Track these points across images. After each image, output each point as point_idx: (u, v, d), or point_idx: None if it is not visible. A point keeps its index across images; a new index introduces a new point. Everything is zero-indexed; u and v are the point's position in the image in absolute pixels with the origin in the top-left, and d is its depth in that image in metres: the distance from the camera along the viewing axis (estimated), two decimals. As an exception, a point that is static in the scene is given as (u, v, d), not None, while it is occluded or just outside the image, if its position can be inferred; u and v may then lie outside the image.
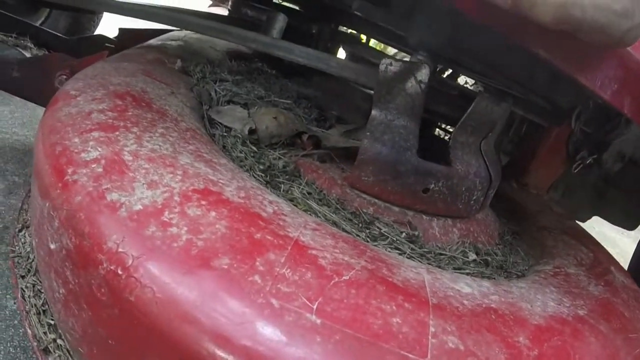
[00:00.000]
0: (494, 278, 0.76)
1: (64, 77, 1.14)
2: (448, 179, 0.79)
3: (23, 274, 0.75)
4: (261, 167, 0.76)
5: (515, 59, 0.78)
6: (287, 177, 0.77)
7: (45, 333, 0.66)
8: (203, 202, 0.54)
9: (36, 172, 0.64)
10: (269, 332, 0.44)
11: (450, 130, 1.42)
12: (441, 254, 0.76)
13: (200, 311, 0.44)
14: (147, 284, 0.46)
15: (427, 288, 0.55)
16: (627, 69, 0.67)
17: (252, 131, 0.84)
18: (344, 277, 0.50)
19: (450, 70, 1.66)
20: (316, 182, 0.79)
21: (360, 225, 0.73)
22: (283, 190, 0.74)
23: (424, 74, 0.75)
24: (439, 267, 0.72)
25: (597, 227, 2.47)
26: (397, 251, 0.71)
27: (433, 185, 0.78)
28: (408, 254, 0.71)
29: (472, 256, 0.79)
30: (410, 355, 0.45)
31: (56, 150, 0.60)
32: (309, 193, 0.76)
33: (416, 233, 0.77)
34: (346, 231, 0.69)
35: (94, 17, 2.42)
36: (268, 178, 0.75)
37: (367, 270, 0.54)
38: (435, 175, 0.78)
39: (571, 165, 1.18)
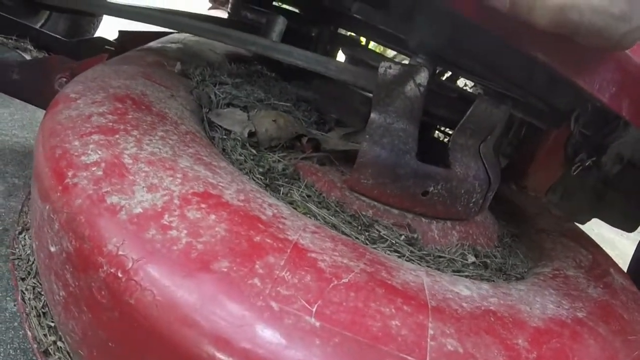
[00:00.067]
0: (493, 280, 0.76)
1: (64, 79, 1.14)
2: (447, 182, 0.79)
3: (23, 277, 0.75)
4: (261, 169, 0.77)
5: (514, 62, 0.79)
6: (286, 179, 0.77)
7: (45, 335, 0.66)
8: (203, 205, 0.54)
9: (36, 175, 0.64)
10: (268, 334, 0.44)
11: (450, 132, 1.42)
12: (440, 257, 0.76)
13: (200, 314, 0.45)
14: (147, 286, 0.46)
15: (426, 291, 0.55)
16: (625, 72, 0.67)
17: (251, 134, 0.84)
18: (343, 280, 0.51)
19: (450, 73, 1.66)
20: (315, 184, 0.79)
21: (360, 227, 0.73)
22: (282, 193, 0.74)
23: (423, 76, 0.75)
24: (438, 269, 0.72)
25: (596, 229, 2.47)
26: (396, 254, 0.71)
27: (432, 188, 0.78)
28: (407, 257, 0.71)
29: (471, 259, 0.79)
30: (409, 358, 0.46)
31: (56, 153, 0.60)
32: (309, 196, 0.76)
33: (415, 236, 0.77)
34: (345, 234, 0.69)
35: (94, 20, 2.43)
36: (267, 181, 0.75)
37: (366, 273, 0.54)
38: (434, 177, 0.78)
39: (570, 168, 1.18)
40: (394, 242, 0.73)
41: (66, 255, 0.53)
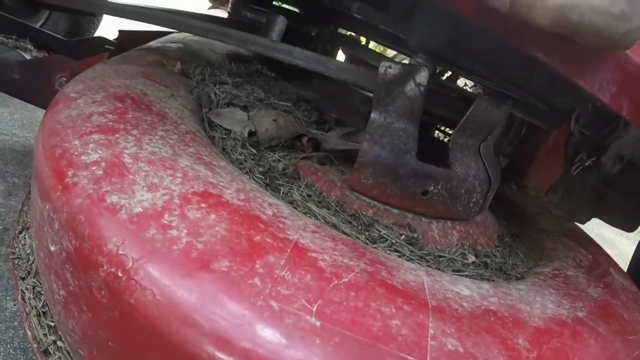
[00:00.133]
0: (493, 280, 0.76)
1: (64, 79, 1.14)
2: (447, 182, 0.79)
3: (23, 276, 0.75)
4: (261, 169, 0.77)
5: (514, 62, 0.79)
6: (286, 179, 0.77)
7: (45, 335, 0.66)
8: (203, 205, 0.54)
9: (36, 174, 0.64)
10: (268, 334, 0.44)
11: (450, 132, 1.42)
12: (440, 256, 0.76)
13: (200, 313, 0.45)
14: (147, 286, 0.46)
15: (426, 290, 0.55)
16: (625, 72, 0.67)
17: (251, 133, 0.84)
18: (344, 280, 0.51)
19: (450, 73, 1.66)
20: (316, 184, 0.79)
21: (360, 227, 0.73)
22: (283, 193, 0.74)
23: (423, 76, 0.75)
24: (438, 269, 0.72)
25: (596, 229, 2.47)
26: (397, 253, 0.71)
27: (432, 188, 0.78)
28: (407, 256, 0.71)
29: (472, 258, 0.79)
30: (410, 358, 0.46)
31: (56, 153, 0.60)
32: (309, 195, 0.76)
33: (415, 235, 0.77)
34: (346, 233, 0.69)
35: (94, 19, 2.43)
36: (268, 180, 0.75)
37: (367, 272, 0.54)
38: (434, 177, 0.78)
39: (570, 168, 1.17)
40: (394, 241, 0.73)
41: (66, 254, 0.53)
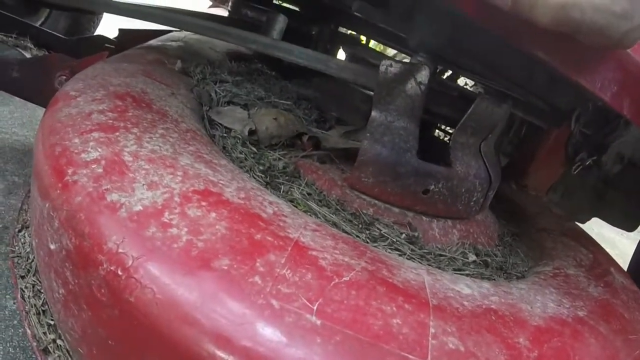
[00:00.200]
0: (494, 279, 0.76)
1: (64, 77, 1.14)
2: (448, 180, 0.79)
3: (23, 274, 0.75)
4: (261, 168, 0.77)
5: (515, 61, 0.78)
6: (287, 178, 0.77)
7: (44, 333, 0.66)
8: (203, 203, 0.54)
9: (36, 173, 0.64)
10: (269, 333, 0.44)
11: (450, 131, 1.42)
12: (441, 255, 0.76)
13: (200, 312, 0.44)
14: (147, 284, 0.46)
15: (427, 289, 0.55)
16: (626, 71, 0.67)
17: (252, 132, 0.84)
18: (344, 278, 0.51)
19: (450, 72, 1.66)
20: (316, 183, 0.79)
21: (360, 226, 0.73)
22: (283, 191, 0.74)
23: (424, 75, 0.75)
24: (439, 268, 0.72)
25: (597, 229, 2.47)
26: (397, 252, 0.71)
27: (433, 187, 0.78)
28: (408, 255, 0.71)
29: (472, 257, 0.79)
30: (411, 356, 0.45)
31: (56, 151, 0.60)
32: (309, 194, 0.76)
33: (416, 234, 0.77)
34: (346, 232, 0.69)
35: (94, 18, 2.42)
36: (268, 179, 0.75)
37: (367, 271, 0.54)
38: (435, 176, 0.78)
39: (570, 167, 1.18)
40: (394, 240, 0.73)
41: (66, 252, 0.53)
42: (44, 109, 0.75)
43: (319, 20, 1.58)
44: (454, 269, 0.74)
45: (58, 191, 0.56)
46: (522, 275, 0.81)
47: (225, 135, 0.84)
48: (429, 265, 0.71)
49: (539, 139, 1.29)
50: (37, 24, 2.00)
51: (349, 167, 0.80)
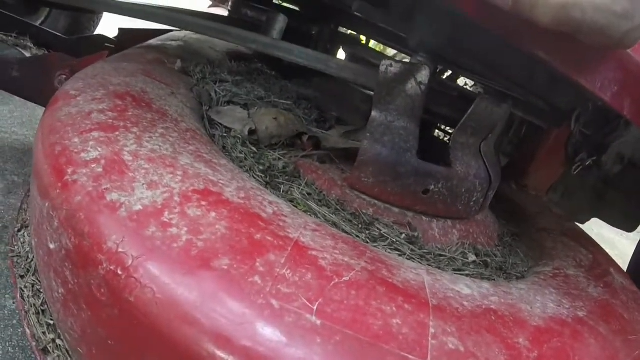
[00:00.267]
0: (494, 279, 0.76)
1: (64, 77, 1.14)
2: (448, 180, 0.79)
3: (22, 274, 0.75)
4: (261, 167, 0.76)
5: (515, 60, 0.78)
6: (287, 177, 0.77)
7: (44, 333, 0.66)
8: (203, 203, 0.54)
9: (36, 172, 0.64)
10: (269, 332, 0.44)
11: (450, 131, 1.42)
12: (441, 255, 0.76)
13: (200, 312, 0.44)
14: (147, 284, 0.46)
15: (427, 289, 0.55)
16: (627, 71, 0.67)
17: (252, 132, 0.84)
18: (344, 278, 0.50)
19: (450, 72, 1.66)
20: (316, 183, 0.79)
21: (360, 226, 0.73)
22: (283, 191, 0.74)
23: (424, 75, 0.75)
24: (439, 268, 0.72)
25: (596, 229, 2.47)
26: (397, 252, 0.71)
27: (433, 187, 0.78)
28: (408, 255, 0.71)
29: (472, 257, 0.79)
30: (410, 357, 0.45)
31: (56, 150, 0.60)
32: (309, 194, 0.76)
33: (416, 234, 0.77)
34: (346, 232, 0.69)
35: (94, 17, 2.43)
36: (268, 179, 0.75)
37: (367, 271, 0.53)
38: (435, 176, 0.78)
39: (570, 167, 1.18)
40: (394, 240, 0.73)
41: (65, 252, 0.53)
42: (44, 108, 0.75)
43: (319, 20, 1.58)
44: (454, 269, 0.74)
45: (58, 190, 0.56)
46: (522, 275, 0.81)
47: (225, 134, 0.84)
48: (429, 265, 0.71)
49: (539, 139, 1.29)
50: (37, 23, 2.00)
51: (349, 167, 0.80)
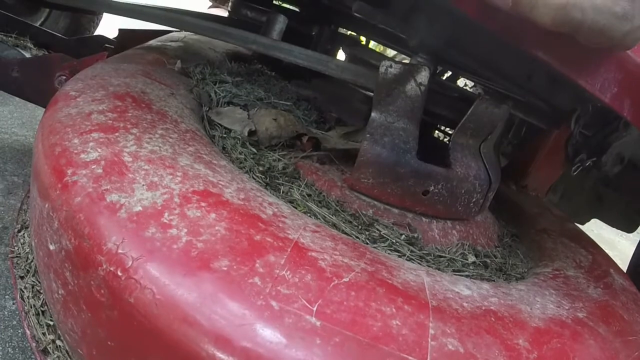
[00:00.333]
0: (494, 280, 0.76)
1: (64, 77, 1.14)
2: (448, 181, 0.79)
3: (22, 275, 0.75)
4: (261, 168, 0.76)
5: (515, 61, 0.78)
6: (286, 178, 0.77)
7: (44, 334, 0.66)
8: (203, 204, 0.54)
9: (35, 173, 0.64)
10: (268, 334, 0.44)
11: (450, 132, 1.42)
12: (441, 256, 0.76)
13: (200, 313, 0.44)
14: (147, 285, 0.46)
15: (426, 290, 0.55)
16: (626, 72, 0.67)
17: (251, 133, 0.84)
18: (344, 279, 0.50)
19: (450, 73, 1.66)
20: (316, 183, 0.79)
21: (360, 227, 0.73)
22: (283, 192, 0.74)
23: (423, 76, 0.75)
24: (439, 269, 0.72)
25: (596, 230, 2.47)
26: (397, 253, 0.71)
27: (433, 188, 0.78)
28: (407, 256, 0.71)
29: (472, 258, 0.79)
30: (410, 358, 0.45)
31: (56, 151, 0.60)
32: (309, 195, 0.76)
33: (416, 235, 0.77)
34: (346, 233, 0.69)
35: (94, 18, 2.43)
36: (268, 180, 0.75)
37: (367, 272, 0.54)
38: (434, 177, 0.78)
39: (570, 168, 1.18)
40: (394, 241, 0.73)
41: (65, 253, 0.53)
42: (44, 109, 0.75)
43: (318, 21, 1.58)
44: (454, 270, 0.74)
45: (58, 191, 0.56)
46: (521, 276, 0.81)
47: (225, 135, 0.84)
48: (429, 266, 0.71)
49: (538, 139, 1.29)
50: (37, 24, 2.00)
51: (349, 168, 0.80)
